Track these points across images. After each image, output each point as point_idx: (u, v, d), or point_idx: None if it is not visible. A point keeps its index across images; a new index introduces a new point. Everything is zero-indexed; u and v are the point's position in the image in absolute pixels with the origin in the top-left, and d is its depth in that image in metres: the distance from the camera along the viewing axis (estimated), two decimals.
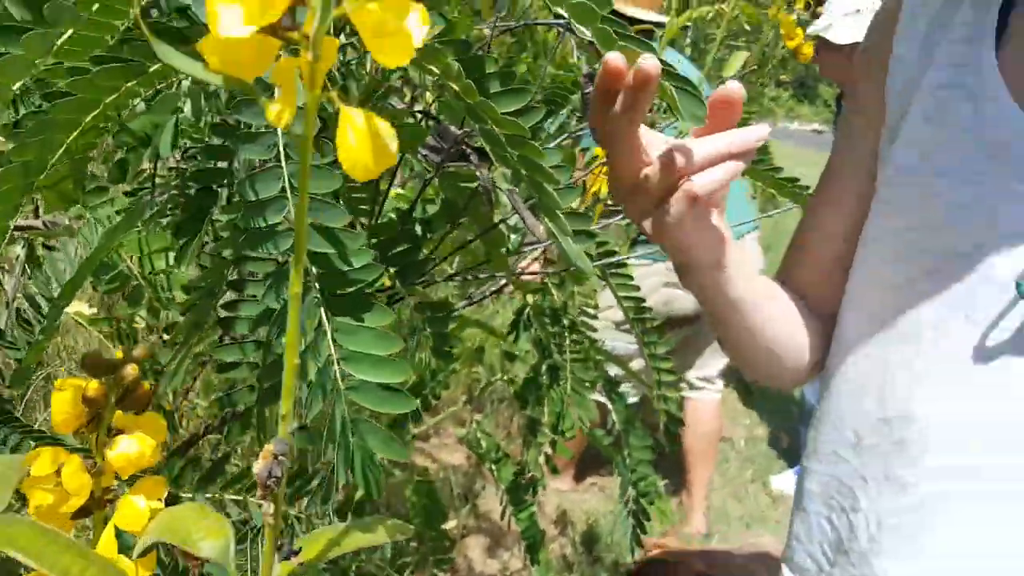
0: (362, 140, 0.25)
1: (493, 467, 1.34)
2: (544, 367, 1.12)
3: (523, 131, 0.51)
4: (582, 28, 0.52)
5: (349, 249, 0.57)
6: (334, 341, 0.56)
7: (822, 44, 2.12)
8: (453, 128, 0.76)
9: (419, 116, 0.82)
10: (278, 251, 0.57)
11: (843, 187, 0.77)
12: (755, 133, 0.54)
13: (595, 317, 1.15)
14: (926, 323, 0.64)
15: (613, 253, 1.04)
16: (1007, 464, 0.61)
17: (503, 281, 1.08)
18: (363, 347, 0.56)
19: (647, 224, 0.57)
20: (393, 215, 0.89)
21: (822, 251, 0.78)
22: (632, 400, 2.11)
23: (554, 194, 0.53)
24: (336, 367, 0.56)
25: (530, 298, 1.09)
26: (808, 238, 0.80)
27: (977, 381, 0.61)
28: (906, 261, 0.67)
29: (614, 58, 0.50)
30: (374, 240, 0.76)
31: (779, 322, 0.74)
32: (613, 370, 1.44)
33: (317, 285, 0.57)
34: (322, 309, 0.56)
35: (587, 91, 0.61)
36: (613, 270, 1.05)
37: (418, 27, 0.25)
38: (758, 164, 0.92)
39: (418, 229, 0.84)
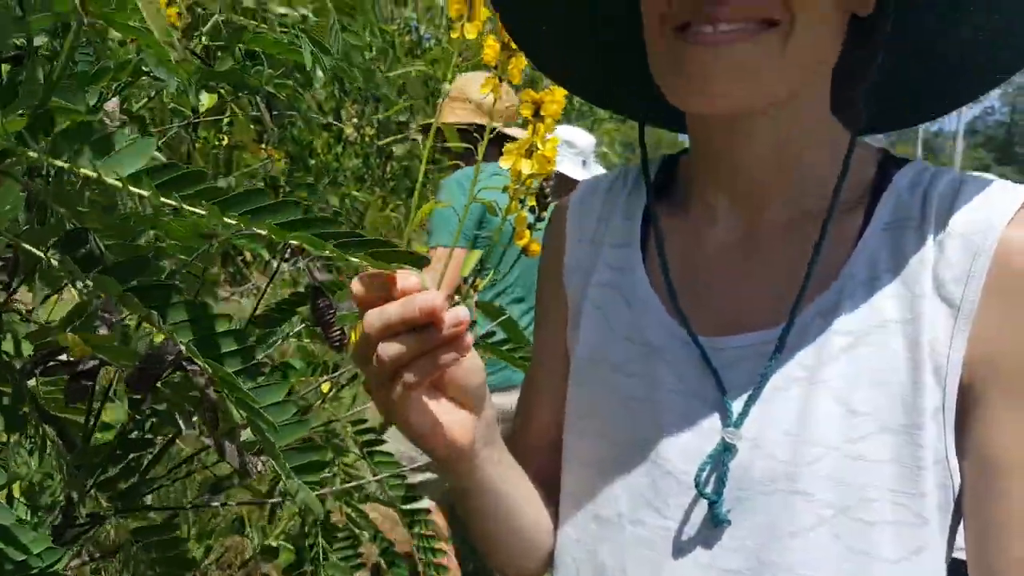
0: None
1: None
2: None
3: (231, 378, 0.49)
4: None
5: (24, 540, 0.55)
6: None
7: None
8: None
9: None
10: None
11: (548, 371, 0.81)
12: (454, 316, 0.53)
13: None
14: (624, 513, 0.68)
15: (372, 430, 1.02)
16: None
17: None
18: None
19: (375, 400, 0.58)
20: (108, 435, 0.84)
21: (539, 438, 0.80)
22: None
23: (270, 438, 0.50)
24: None
25: None
26: (525, 420, 0.84)
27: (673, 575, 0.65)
28: (600, 449, 0.71)
29: (358, 290, 0.53)
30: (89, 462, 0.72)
31: (525, 511, 0.74)
32: None
33: None
34: None
35: (318, 303, 0.61)
36: (371, 448, 1.04)
37: None
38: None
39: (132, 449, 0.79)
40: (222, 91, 1.56)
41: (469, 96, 2.49)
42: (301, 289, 0.72)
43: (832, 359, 0.62)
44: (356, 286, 0.53)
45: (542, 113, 0.90)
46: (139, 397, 0.67)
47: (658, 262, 0.71)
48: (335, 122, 4.14)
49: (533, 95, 0.89)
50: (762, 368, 0.64)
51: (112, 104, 0.93)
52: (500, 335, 1.10)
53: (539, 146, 0.92)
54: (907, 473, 0.60)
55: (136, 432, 0.75)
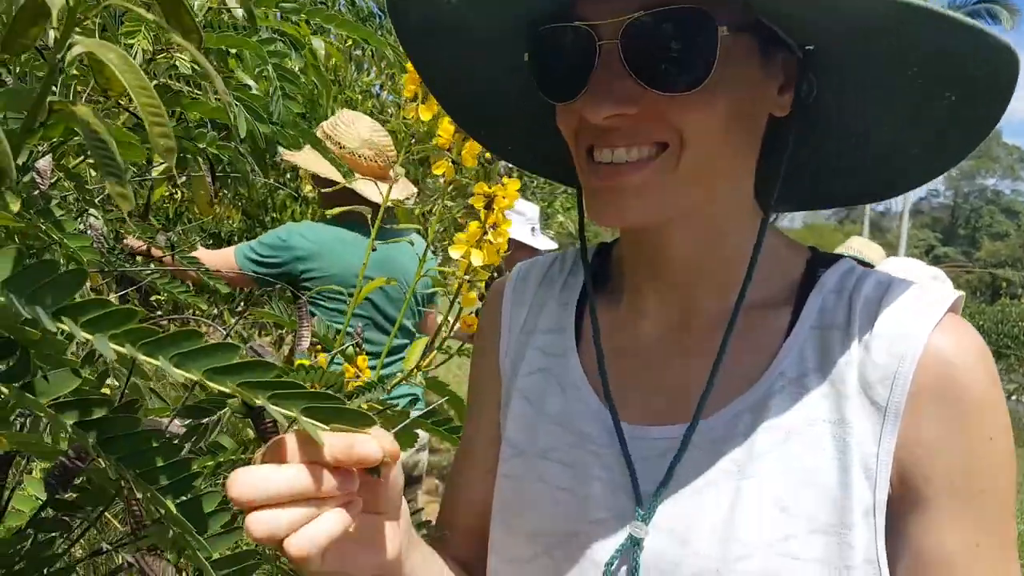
0: None
1: None
2: None
3: (165, 504, 0.46)
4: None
5: None
6: None
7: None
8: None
9: None
10: None
11: (481, 448, 0.81)
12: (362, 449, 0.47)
13: None
14: None
15: None
16: None
17: None
18: None
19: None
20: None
21: (466, 516, 0.80)
22: None
23: (198, 552, 0.46)
24: None
25: None
26: (454, 495, 0.83)
27: None
28: (529, 547, 0.70)
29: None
30: None
31: None
32: None
33: None
34: None
35: (265, 424, 0.58)
36: None
37: None
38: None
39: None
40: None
41: (339, 139, 2.25)
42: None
43: (762, 454, 0.63)
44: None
45: (495, 206, 0.89)
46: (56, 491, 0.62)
47: (594, 351, 0.72)
48: (286, 184, 4.13)
49: (486, 188, 0.89)
50: (672, 461, 0.64)
51: (44, 162, 0.89)
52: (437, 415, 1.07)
53: (491, 239, 0.91)
54: (835, 573, 0.59)
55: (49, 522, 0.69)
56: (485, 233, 0.92)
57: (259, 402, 0.43)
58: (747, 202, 0.70)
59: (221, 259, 2.45)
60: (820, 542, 0.60)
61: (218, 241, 4.52)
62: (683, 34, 0.59)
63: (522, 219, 3.37)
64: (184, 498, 0.45)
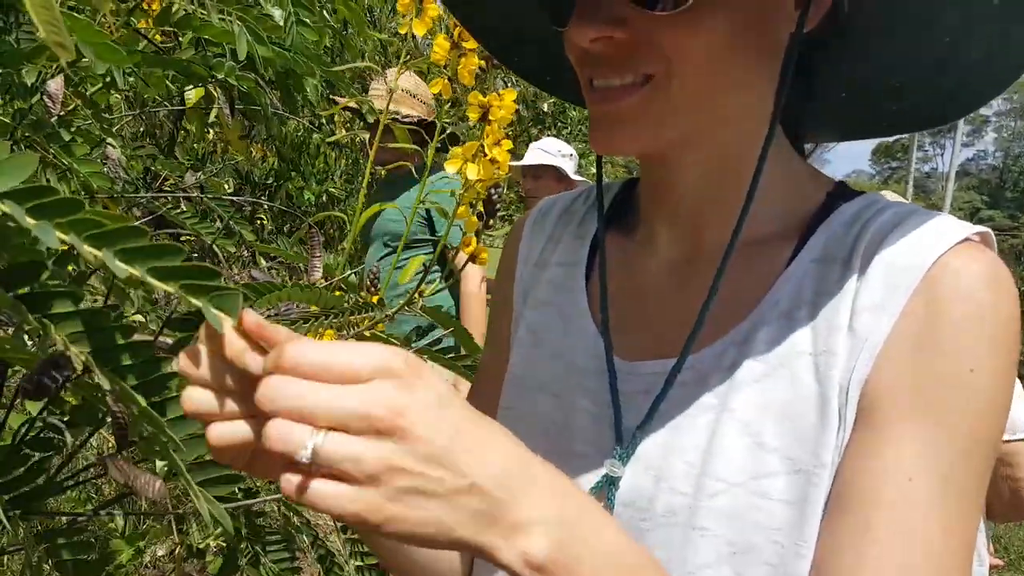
0: None
1: None
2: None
3: (130, 394, 0.45)
4: None
5: None
6: None
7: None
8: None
9: None
10: None
11: (499, 363, 0.80)
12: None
13: None
14: None
15: None
16: None
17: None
18: None
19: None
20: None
21: None
22: None
23: (174, 454, 0.46)
24: None
25: None
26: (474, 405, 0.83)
27: None
28: None
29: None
30: None
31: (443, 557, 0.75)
32: None
33: None
34: None
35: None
36: None
37: None
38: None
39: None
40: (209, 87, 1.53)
41: (423, 96, 2.42)
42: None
43: (742, 387, 0.61)
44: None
45: (490, 118, 0.87)
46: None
47: (598, 286, 0.72)
48: (325, 123, 4.12)
49: (480, 99, 0.87)
50: (656, 397, 0.63)
51: (55, 84, 0.90)
52: (447, 342, 1.08)
53: (487, 151, 0.89)
54: (798, 514, 0.56)
55: (41, 434, 0.72)
56: (482, 147, 0.90)
57: (198, 303, 0.42)
58: (764, 129, 0.64)
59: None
60: (791, 481, 0.57)
61: (251, 184, 4.54)
62: None
63: (567, 158, 3.52)
64: (156, 398, 0.46)
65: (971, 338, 0.55)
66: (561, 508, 0.47)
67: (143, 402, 0.45)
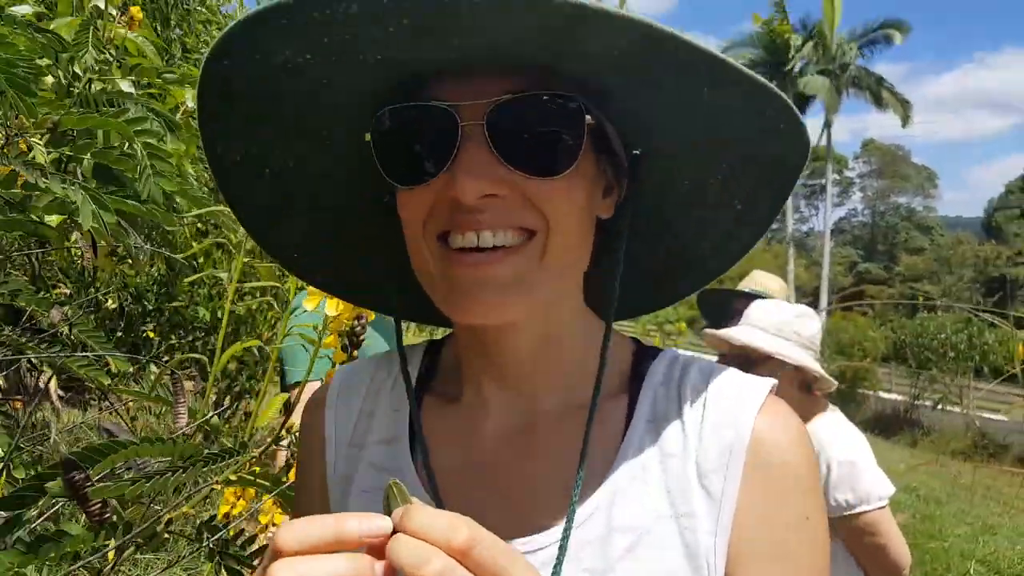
0: None
1: None
2: None
3: None
4: None
5: None
6: None
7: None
8: None
9: None
10: None
11: None
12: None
13: None
14: None
15: None
16: None
17: None
18: None
19: None
20: None
21: None
22: None
23: None
24: None
25: None
26: None
27: None
28: None
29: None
30: None
31: None
32: None
33: None
34: None
35: (70, 477, 0.59)
36: None
37: None
38: None
39: None
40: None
41: None
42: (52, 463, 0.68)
43: (617, 561, 0.63)
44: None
45: None
46: None
47: (424, 471, 0.70)
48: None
49: None
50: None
51: None
52: None
53: None
54: None
55: None
56: None
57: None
58: (580, 303, 0.72)
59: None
60: None
61: (136, 296, 4.39)
62: (552, 119, 0.60)
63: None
64: None
65: (802, 490, 0.65)
66: None
67: None
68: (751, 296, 2.94)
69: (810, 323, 2.18)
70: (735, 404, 0.65)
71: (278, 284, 1.08)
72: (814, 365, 2.09)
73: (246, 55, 0.57)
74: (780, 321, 2.16)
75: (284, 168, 0.69)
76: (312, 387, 2.38)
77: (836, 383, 2.17)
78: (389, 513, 0.47)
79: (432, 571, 0.43)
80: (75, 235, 1.49)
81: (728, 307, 3.07)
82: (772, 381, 0.68)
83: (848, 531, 2.01)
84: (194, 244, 2.34)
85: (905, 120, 30.20)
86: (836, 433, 2.12)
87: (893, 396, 17.35)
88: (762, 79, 0.57)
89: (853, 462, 2.04)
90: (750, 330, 2.18)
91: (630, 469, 0.66)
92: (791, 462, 0.64)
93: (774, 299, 2.52)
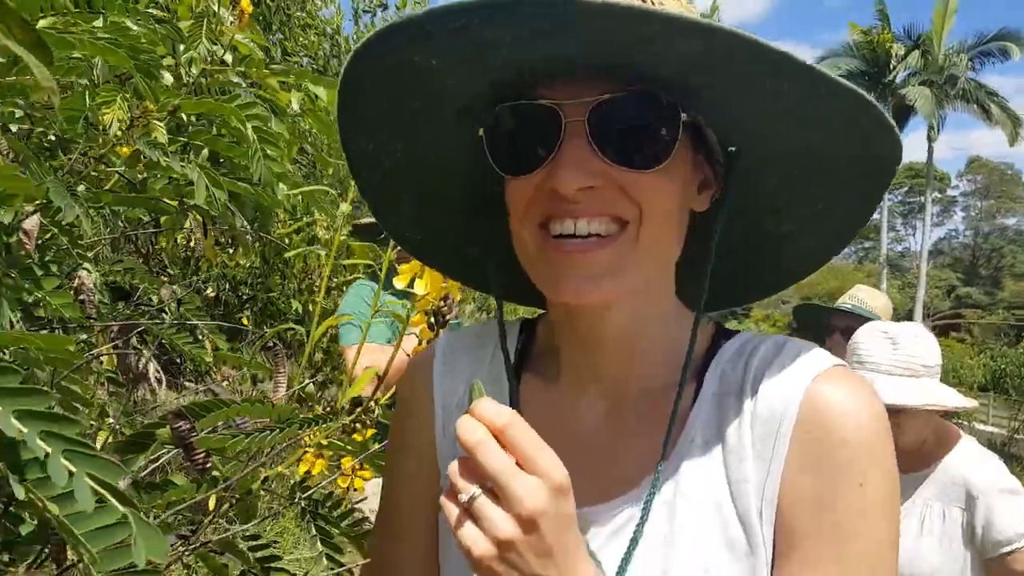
0: None
1: None
2: None
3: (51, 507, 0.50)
4: None
5: None
6: None
7: None
8: None
9: None
10: None
11: (411, 521, 0.82)
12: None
13: None
14: None
15: (266, 546, 1.02)
16: None
17: None
18: None
19: None
20: None
21: None
22: None
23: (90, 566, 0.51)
24: None
25: None
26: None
27: None
28: None
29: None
30: None
31: None
32: None
33: None
34: None
35: (177, 426, 0.63)
36: (267, 564, 1.02)
37: None
38: None
39: None
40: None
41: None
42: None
43: (684, 525, 0.67)
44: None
45: None
46: None
47: None
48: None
49: None
50: (630, 536, 0.68)
51: (31, 223, 0.97)
52: None
53: None
54: None
55: None
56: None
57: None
58: (670, 291, 0.76)
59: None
60: None
61: (234, 286, 4.60)
62: (647, 116, 0.65)
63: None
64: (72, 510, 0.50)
65: (856, 456, 0.65)
66: None
67: (56, 510, 0.50)
68: (851, 315, 2.78)
69: (930, 344, 1.94)
70: (794, 371, 0.68)
71: (372, 263, 1.13)
72: (964, 402, 1.84)
73: (384, 58, 0.64)
74: (908, 358, 1.88)
75: (404, 159, 0.76)
76: (370, 348, 2.49)
77: (975, 403, 1.96)
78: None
79: (473, 439, 0.57)
80: (188, 220, 1.59)
81: (823, 322, 2.93)
82: (838, 360, 0.70)
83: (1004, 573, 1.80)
84: (291, 237, 2.45)
85: (1014, 138, 28.68)
86: (983, 457, 1.90)
87: (990, 428, 16.50)
88: (853, 86, 0.61)
89: (1014, 490, 1.83)
90: (883, 381, 1.85)
91: (696, 440, 0.70)
92: (843, 426, 0.65)
93: (878, 322, 2.31)
